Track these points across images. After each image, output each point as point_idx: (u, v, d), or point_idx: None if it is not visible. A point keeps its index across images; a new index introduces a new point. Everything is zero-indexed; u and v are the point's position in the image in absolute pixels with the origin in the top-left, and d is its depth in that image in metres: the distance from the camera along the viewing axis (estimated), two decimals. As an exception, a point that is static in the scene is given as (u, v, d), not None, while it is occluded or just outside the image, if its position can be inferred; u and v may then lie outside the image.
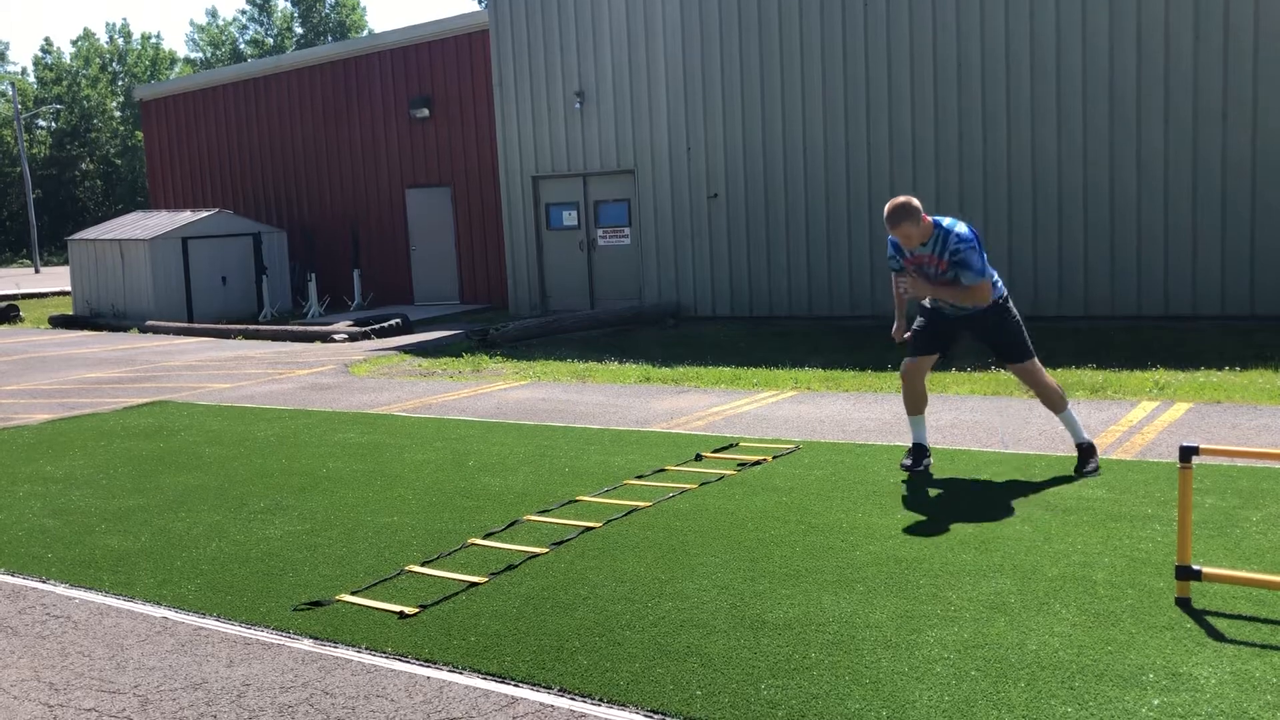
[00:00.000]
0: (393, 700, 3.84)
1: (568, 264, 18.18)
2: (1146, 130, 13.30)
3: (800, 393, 9.90)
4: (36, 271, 50.26)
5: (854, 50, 14.98)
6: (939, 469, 6.65)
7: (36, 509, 6.75)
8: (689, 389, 10.47)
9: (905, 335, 6.55)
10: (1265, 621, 4.08)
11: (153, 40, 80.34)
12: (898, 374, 10.41)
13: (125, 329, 20.38)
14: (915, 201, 6.19)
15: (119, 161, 72.64)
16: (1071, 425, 6.46)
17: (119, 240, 21.97)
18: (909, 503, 5.93)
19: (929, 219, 6.19)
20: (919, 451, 6.58)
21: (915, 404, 6.60)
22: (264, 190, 24.45)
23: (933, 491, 6.13)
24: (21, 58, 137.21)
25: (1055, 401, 6.41)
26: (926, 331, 6.52)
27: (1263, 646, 3.87)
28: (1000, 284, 6.42)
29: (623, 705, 3.71)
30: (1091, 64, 13.49)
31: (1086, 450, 6.42)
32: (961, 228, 6.18)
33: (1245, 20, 12.65)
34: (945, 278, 6.24)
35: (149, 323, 20.10)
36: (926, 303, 6.54)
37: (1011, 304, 6.48)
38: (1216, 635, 3.98)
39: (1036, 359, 6.42)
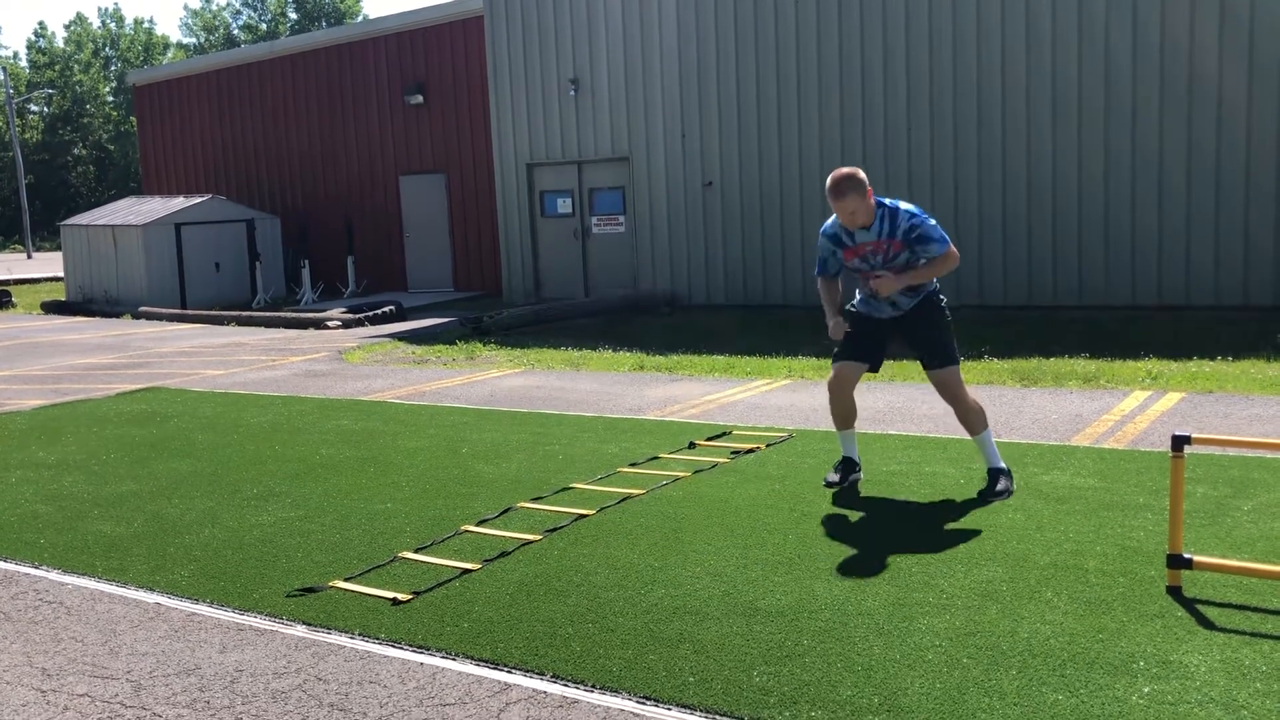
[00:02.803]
0: (386, 687, 3.85)
1: (562, 252, 18.16)
2: (1142, 120, 13.30)
3: (794, 381, 9.91)
4: (29, 257, 50.14)
5: (850, 38, 14.96)
6: (932, 458, 6.66)
7: (29, 495, 6.74)
8: (683, 377, 10.47)
9: (845, 329, 5.79)
10: (1255, 610, 4.10)
11: (145, 25, 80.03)
12: (891, 363, 10.46)
13: (118, 315, 20.33)
14: (862, 174, 5.55)
15: (112, 147, 72.40)
16: (986, 448, 5.80)
17: (112, 226, 21.90)
18: (901, 491, 5.94)
19: (874, 196, 5.58)
20: (848, 465, 6.07)
21: (845, 418, 6.00)
22: (258, 176, 24.37)
23: (925, 481, 6.14)
24: (14, 42, 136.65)
25: (973, 421, 5.74)
26: (858, 339, 5.87)
27: (1252, 635, 3.89)
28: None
29: (615, 691, 3.71)
30: (1087, 54, 13.48)
31: (997, 474, 5.79)
32: (907, 204, 5.64)
33: (1241, 12, 12.65)
34: (897, 263, 5.62)
35: (142, 309, 20.05)
36: (856, 304, 5.97)
37: (944, 302, 5.91)
38: (1207, 623, 3.99)
39: (959, 370, 5.79)
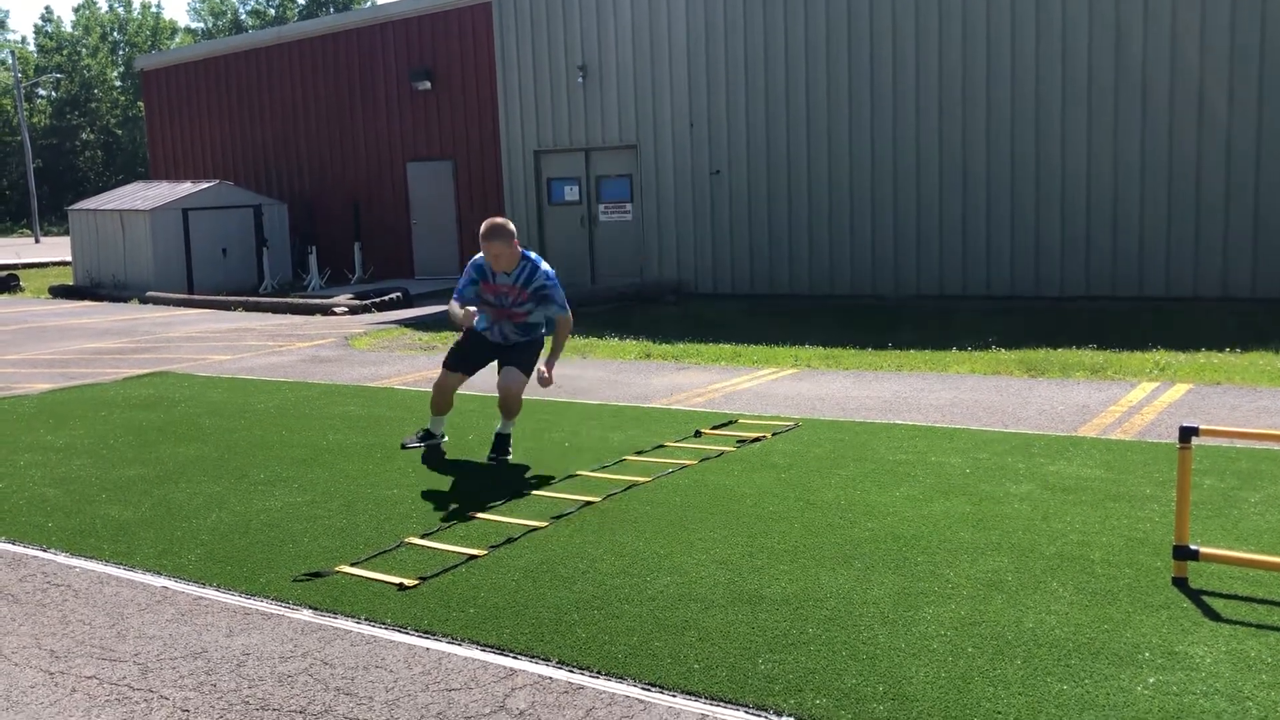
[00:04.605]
0: (392, 671, 3.86)
1: (569, 239, 18.14)
2: (1151, 111, 13.25)
3: (800, 370, 9.91)
4: (37, 241, 50.16)
5: (859, 29, 14.90)
6: (939, 448, 6.66)
7: (37, 478, 6.76)
8: (689, 366, 10.47)
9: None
10: (1261, 601, 4.10)
11: (153, 10, 79.99)
12: (898, 353, 10.46)
13: (126, 300, 20.36)
14: (511, 226, 6.55)
15: (120, 132, 72.38)
16: (506, 425, 6.87)
17: (120, 211, 21.92)
18: (908, 481, 5.94)
19: (519, 248, 6.55)
20: (428, 435, 7.13)
21: (441, 408, 7.05)
22: (265, 162, 24.37)
23: (931, 470, 6.14)
24: (22, 26, 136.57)
25: (511, 413, 6.77)
26: (465, 351, 6.95)
27: (1258, 626, 3.89)
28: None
29: (620, 678, 3.72)
30: (1097, 45, 13.42)
31: (502, 441, 6.82)
32: (546, 266, 6.63)
33: (1253, 4, 12.58)
34: (521, 310, 6.64)
35: (149, 294, 20.08)
36: (479, 326, 6.83)
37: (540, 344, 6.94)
38: (1213, 615, 3.99)
39: (526, 382, 6.79)
